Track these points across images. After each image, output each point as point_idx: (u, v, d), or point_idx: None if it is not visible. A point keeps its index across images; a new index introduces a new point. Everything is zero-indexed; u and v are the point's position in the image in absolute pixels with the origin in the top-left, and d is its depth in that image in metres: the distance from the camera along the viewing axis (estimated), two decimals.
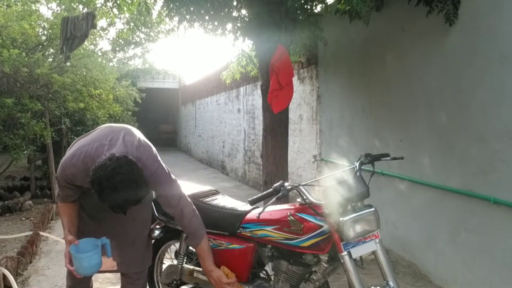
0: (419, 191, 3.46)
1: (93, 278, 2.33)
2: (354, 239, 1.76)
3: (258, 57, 4.19)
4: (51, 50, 6.93)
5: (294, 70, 4.52)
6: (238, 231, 2.14)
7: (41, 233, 4.58)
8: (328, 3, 4.27)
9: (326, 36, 4.17)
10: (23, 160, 6.85)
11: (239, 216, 2.17)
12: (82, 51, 6.67)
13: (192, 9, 3.89)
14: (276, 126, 3.97)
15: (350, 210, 1.80)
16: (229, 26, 4.15)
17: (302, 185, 1.90)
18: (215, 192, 2.55)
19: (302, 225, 1.84)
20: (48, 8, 9.46)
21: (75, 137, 8.66)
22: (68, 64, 6.23)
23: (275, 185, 1.90)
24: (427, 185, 3.34)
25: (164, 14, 4.63)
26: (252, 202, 1.98)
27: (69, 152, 1.93)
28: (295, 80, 5.34)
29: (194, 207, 2.07)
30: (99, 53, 10.14)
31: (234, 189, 7.92)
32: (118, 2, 5.65)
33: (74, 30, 5.03)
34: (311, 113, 5.51)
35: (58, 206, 2.01)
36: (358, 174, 1.94)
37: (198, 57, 40.47)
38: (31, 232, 4.50)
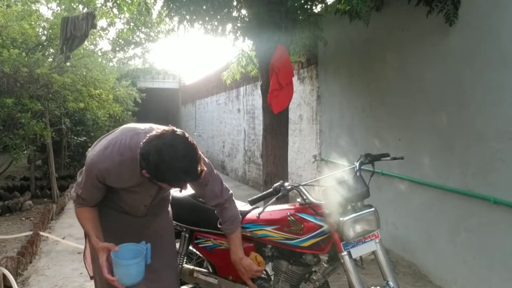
0: (419, 191, 3.46)
1: None
2: (354, 239, 1.76)
3: (258, 57, 4.19)
4: (51, 50, 6.95)
5: (294, 70, 4.52)
6: None
7: (41, 233, 4.57)
8: (328, 3, 4.27)
9: (326, 36, 4.17)
10: (23, 160, 6.86)
11: None
12: (82, 51, 6.67)
13: (192, 9, 3.89)
14: (276, 126, 3.97)
15: (350, 210, 1.79)
16: (229, 26, 4.15)
17: (302, 185, 1.90)
18: None
19: (302, 225, 1.84)
20: (48, 8, 9.48)
21: (75, 137, 8.71)
22: (68, 64, 6.23)
23: (275, 185, 1.90)
24: (427, 185, 3.33)
25: (164, 14, 4.63)
26: (252, 202, 1.98)
27: (97, 147, 1.70)
28: (295, 80, 5.34)
29: (231, 191, 2.03)
30: (99, 53, 10.16)
31: (234, 189, 7.84)
32: (118, 2, 5.64)
33: (74, 30, 5.03)
34: (311, 113, 5.51)
35: (76, 211, 1.78)
36: (358, 174, 1.94)
37: (198, 57, 40.60)
38: (31, 232, 4.50)
